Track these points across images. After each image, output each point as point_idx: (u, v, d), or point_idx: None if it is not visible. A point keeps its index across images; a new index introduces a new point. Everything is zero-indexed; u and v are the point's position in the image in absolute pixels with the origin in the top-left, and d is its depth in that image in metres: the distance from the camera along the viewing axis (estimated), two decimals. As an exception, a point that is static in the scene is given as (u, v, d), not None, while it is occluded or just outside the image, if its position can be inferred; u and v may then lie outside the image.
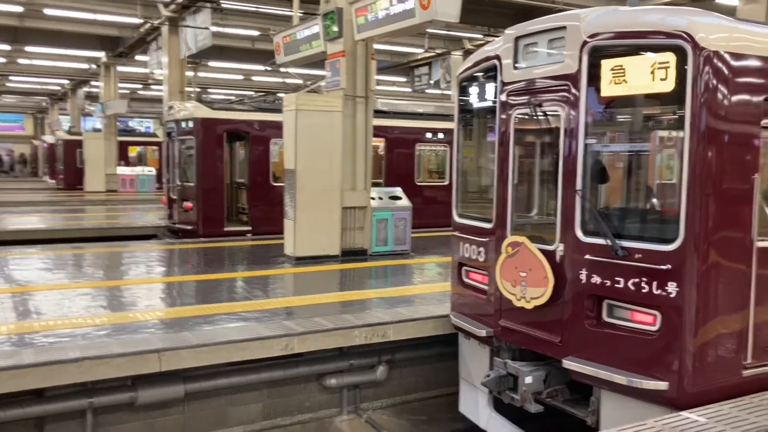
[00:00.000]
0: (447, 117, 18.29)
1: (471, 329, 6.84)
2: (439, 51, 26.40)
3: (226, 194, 15.65)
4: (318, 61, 13.06)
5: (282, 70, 16.72)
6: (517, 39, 6.26)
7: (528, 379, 6.09)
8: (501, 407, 6.94)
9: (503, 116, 6.41)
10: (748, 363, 5.30)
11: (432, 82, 26.86)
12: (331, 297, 8.98)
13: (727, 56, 4.95)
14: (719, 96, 4.93)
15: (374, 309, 8.22)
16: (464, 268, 7.20)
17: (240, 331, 7.07)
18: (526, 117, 6.24)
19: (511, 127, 6.34)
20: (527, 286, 6.04)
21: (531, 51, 6.17)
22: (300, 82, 21.21)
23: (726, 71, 4.94)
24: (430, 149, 17.99)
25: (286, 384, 7.72)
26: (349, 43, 11.37)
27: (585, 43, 5.55)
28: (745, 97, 5.07)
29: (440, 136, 17.56)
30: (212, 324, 7.39)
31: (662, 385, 5.12)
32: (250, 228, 15.40)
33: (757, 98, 5.14)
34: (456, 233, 7.27)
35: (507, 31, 6.41)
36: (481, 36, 23.73)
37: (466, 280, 7.19)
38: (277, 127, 15.49)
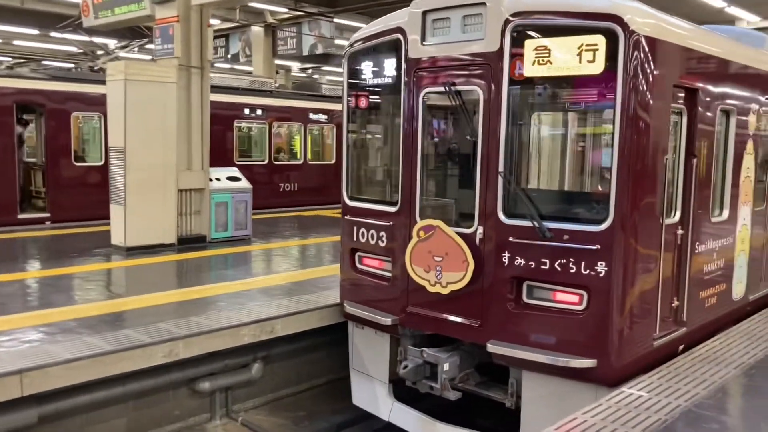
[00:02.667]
0: (267, 93, 17.56)
1: (372, 318, 6.51)
2: (236, 23, 25.15)
3: (19, 176, 13.47)
4: (135, 26, 11.66)
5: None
6: (425, 13, 5.97)
7: (446, 366, 5.93)
8: (400, 396, 6.74)
9: (409, 94, 6.11)
10: (656, 335, 5.63)
11: (230, 56, 25.51)
12: (181, 294, 8.01)
13: (652, 41, 5.11)
14: (644, 80, 5.08)
15: (233, 305, 7.43)
16: (358, 253, 6.82)
17: (114, 341, 6.03)
18: (438, 96, 6.00)
19: (419, 107, 6.06)
20: (443, 270, 5.84)
21: (442, 27, 5.91)
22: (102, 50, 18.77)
23: (651, 56, 5.11)
24: (248, 126, 17.14)
25: (152, 393, 6.79)
26: (183, 7, 10.24)
27: (508, 21, 5.42)
28: (663, 82, 5.30)
29: (259, 113, 16.77)
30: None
31: (590, 363, 5.23)
32: (48, 215, 13.43)
33: (670, 83, 5.40)
34: (348, 217, 6.85)
35: (413, 4, 6.09)
36: (285, 10, 23.05)
37: (360, 266, 6.82)
38: (79, 99, 13.70)
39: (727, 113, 6.43)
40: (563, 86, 5.38)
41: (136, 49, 23.71)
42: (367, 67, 6.64)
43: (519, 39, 5.40)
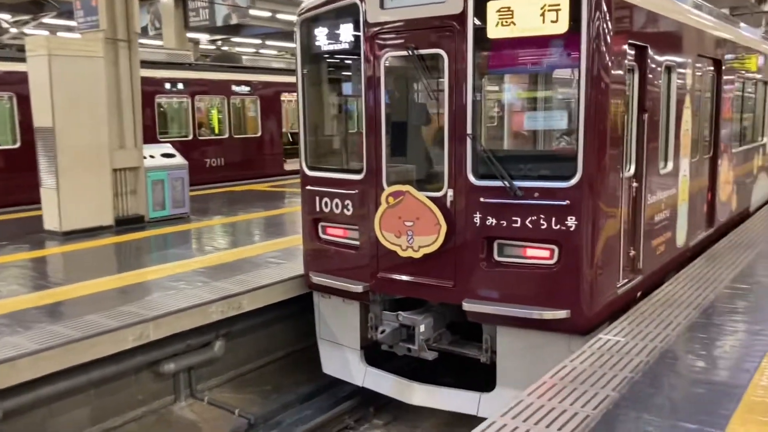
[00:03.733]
0: (187, 66, 16.96)
1: (342, 286, 6.51)
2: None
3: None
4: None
5: None
6: (383, -23, 5.92)
7: (422, 328, 6.03)
8: (372, 361, 6.82)
9: (369, 60, 6.07)
10: (619, 284, 5.91)
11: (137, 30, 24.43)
12: (133, 276, 7.76)
13: (611, 1, 5.27)
14: (606, 39, 5.25)
15: (195, 284, 7.27)
16: (321, 223, 6.78)
17: (81, 327, 5.78)
18: (400, 60, 5.99)
19: (380, 72, 6.03)
20: (415, 234, 5.91)
21: (401, -10, 5.88)
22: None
23: (610, 15, 5.27)
24: (168, 101, 16.53)
25: (115, 379, 6.59)
26: (105, -24, 9.73)
27: (471, -17, 5.46)
28: (620, 40, 5.49)
29: (180, 87, 16.20)
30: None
31: (563, 313, 5.45)
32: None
33: (625, 41, 5.60)
34: (309, 187, 6.79)
35: (370, -32, 6.02)
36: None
37: (324, 236, 6.79)
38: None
39: (669, 69, 6.74)
40: (527, 47, 5.48)
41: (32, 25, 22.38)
42: (321, 34, 6.53)
43: (481, 0, 5.45)
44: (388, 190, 6.01)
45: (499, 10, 5.41)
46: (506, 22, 5.40)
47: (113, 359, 6.28)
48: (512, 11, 5.36)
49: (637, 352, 4.77)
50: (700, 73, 7.72)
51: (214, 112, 18.26)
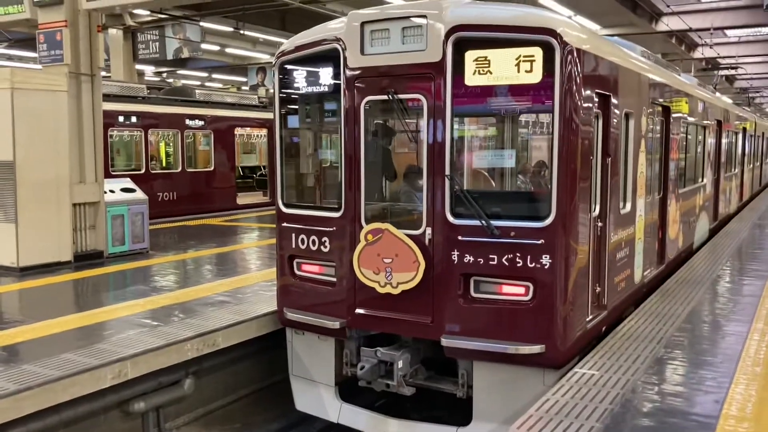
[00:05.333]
0: (140, 99, 16.83)
1: (318, 322, 6.60)
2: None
3: None
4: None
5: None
6: (364, 24, 6.16)
7: (400, 363, 6.15)
8: (347, 397, 6.88)
9: (350, 102, 6.26)
10: (588, 319, 6.20)
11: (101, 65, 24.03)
12: (102, 313, 7.64)
13: (580, 53, 5.64)
14: (576, 88, 5.60)
15: (165, 322, 7.23)
16: (296, 260, 6.87)
17: (59, 366, 5.69)
18: (380, 104, 6.21)
19: (360, 115, 6.24)
20: (393, 271, 6.07)
21: (381, 38, 6.12)
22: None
23: (580, 66, 5.64)
24: (121, 134, 16.35)
25: (86, 419, 6.46)
26: (70, 11, 9.67)
27: (449, 33, 5.74)
28: (588, 89, 5.86)
29: (133, 120, 16.06)
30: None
31: (539, 348, 5.68)
32: None
33: (592, 90, 5.98)
34: (285, 224, 6.89)
35: (351, 15, 6.26)
36: (147, 12, 22.13)
37: (299, 272, 6.88)
38: None
39: (628, 116, 7.18)
40: (503, 94, 5.78)
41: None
42: (300, 76, 6.72)
43: (460, 50, 5.74)
44: (367, 227, 6.17)
45: (476, 59, 5.71)
46: (483, 70, 5.70)
47: (85, 399, 6.18)
48: (489, 60, 5.67)
49: (612, 384, 5.02)
50: (652, 119, 8.23)
51: (168, 145, 18.12)
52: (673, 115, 9.31)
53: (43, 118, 9.42)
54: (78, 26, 9.88)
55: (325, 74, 6.49)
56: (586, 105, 5.77)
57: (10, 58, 30.50)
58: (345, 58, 6.24)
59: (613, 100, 6.55)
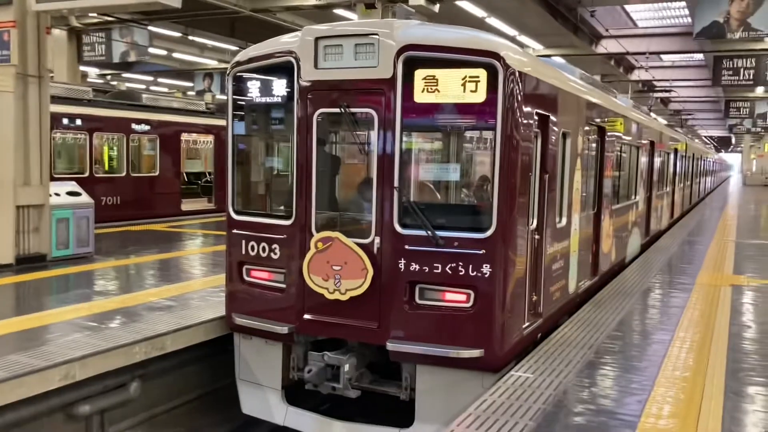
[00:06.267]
0: (85, 102, 16.61)
1: (266, 327, 6.75)
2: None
3: None
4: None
5: None
6: (318, 39, 6.40)
7: (347, 367, 6.37)
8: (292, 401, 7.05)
9: (302, 115, 6.47)
10: (524, 326, 6.55)
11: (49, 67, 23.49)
12: (47, 316, 7.62)
13: (522, 75, 6.01)
14: (517, 108, 5.96)
15: (110, 325, 7.28)
16: (246, 266, 7.02)
17: (4, 367, 5.69)
18: (331, 116, 6.45)
19: (312, 127, 6.45)
20: (342, 278, 6.29)
21: (334, 53, 6.37)
22: None
23: (521, 87, 6.00)
24: (64, 137, 16.09)
25: (28, 422, 6.44)
26: (19, 12, 9.60)
27: (400, 52, 6.03)
28: (529, 109, 6.23)
29: (78, 123, 15.85)
30: None
31: (478, 353, 5.99)
32: None
33: (532, 110, 6.35)
34: (235, 231, 7.03)
35: (306, 30, 6.48)
36: (94, 14, 21.81)
37: (248, 278, 7.03)
38: None
39: (565, 135, 7.61)
40: (450, 112, 6.10)
41: None
42: (254, 86, 6.89)
43: (410, 68, 6.03)
44: (317, 236, 6.38)
45: (425, 78, 6.01)
46: (431, 88, 6.01)
47: (29, 401, 6.18)
48: (437, 79, 5.98)
49: (545, 386, 5.36)
50: (588, 139, 8.71)
51: (113, 149, 17.90)
52: (608, 135, 9.84)
53: (-12, 118, 9.32)
54: (26, 27, 9.80)
55: (279, 86, 6.69)
56: (526, 124, 6.14)
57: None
58: (299, 71, 6.46)
59: (552, 120, 6.95)
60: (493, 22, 21.80)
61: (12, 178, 9.69)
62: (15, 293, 8.94)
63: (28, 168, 9.95)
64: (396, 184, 6.12)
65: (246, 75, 6.93)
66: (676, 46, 25.86)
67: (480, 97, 5.87)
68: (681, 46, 25.57)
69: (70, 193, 10.91)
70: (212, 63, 31.27)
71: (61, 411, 6.72)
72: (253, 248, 6.89)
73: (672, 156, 18.72)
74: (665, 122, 32.63)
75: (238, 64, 6.96)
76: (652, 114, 19.85)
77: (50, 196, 10.37)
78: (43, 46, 10.06)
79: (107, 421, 7.28)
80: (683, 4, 20.47)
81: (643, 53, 25.02)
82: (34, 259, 10.12)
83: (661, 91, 34.74)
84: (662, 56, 29.65)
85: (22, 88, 9.80)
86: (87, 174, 16.25)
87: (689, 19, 20.17)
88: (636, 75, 33.09)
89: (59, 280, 9.55)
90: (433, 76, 5.97)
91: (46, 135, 10.21)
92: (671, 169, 18.83)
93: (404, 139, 6.16)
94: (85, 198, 11.04)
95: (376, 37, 6.14)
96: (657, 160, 15.51)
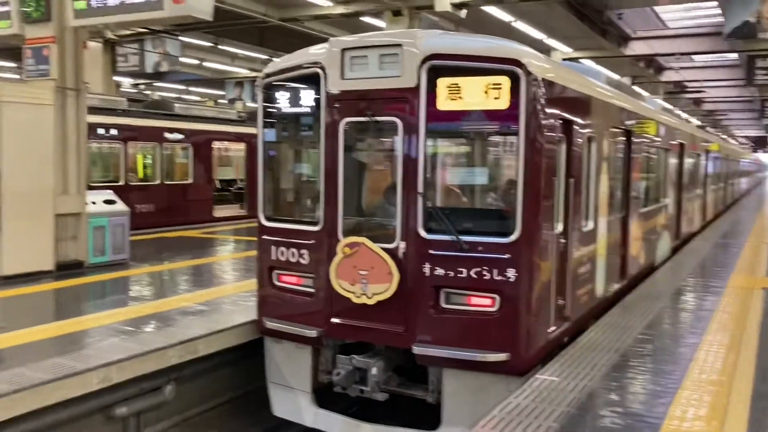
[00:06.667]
0: (120, 112, 17.03)
1: (296, 331, 6.92)
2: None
3: None
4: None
5: None
6: (344, 51, 6.55)
7: (374, 370, 6.50)
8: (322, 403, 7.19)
9: (330, 124, 6.64)
10: (551, 330, 6.61)
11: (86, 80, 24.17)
12: (87, 321, 7.89)
13: (544, 81, 6.09)
14: (540, 114, 6.05)
15: (145, 330, 7.51)
16: (276, 271, 7.20)
17: (47, 370, 5.93)
18: (358, 124, 6.60)
19: (339, 135, 6.61)
20: (369, 283, 6.42)
21: (360, 63, 6.52)
22: None
23: (544, 94, 6.08)
24: (100, 146, 16.51)
25: (66, 424, 6.68)
26: (58, 28, 9.96)
27: (424, 61, 6.16)
28: (552, 115, 6.31)
29: (113, 132, 16.27)
30: None
31: (504, 356, 6.07)
32: None
33: (556, 116, 6.43)
34: (266, 237, 7.22)
35: (332, 42, 6.65)
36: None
37: (278, 283, 7.21)
38: None
39: (590, 140, 7.65)
40: (473, 118, 6.20)
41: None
42: (283, 96, 7.08)
43: (433, 77, 6.16)
44: (344, 241, 6.53)
45: (448, 86, 6.13)
46: (454, 96, 6.12)
47: (66, 404, 6.41)
48: (460, 87, 6.09)
49: (570, 389, 5.42)
50: (614, 143, 8.73)
51: (147, 158, 18.32)
52: (635, 139, 9.84)
53: (30, 130, 9.66)
54: (65, 42, 10.16)
55: (307, 96, 6.86)
56: (549, 128, 6.21)
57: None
58: (326, 81, 6.63)
59: (576, 124, 7.01)
60: (520, 26, 21.78)
61: (52, 187, 10.03)
62: (55, 299, 9.26)
63: (66, 177, 10.29)
64: (420, 189, 6.24)
65: (276, 85, 7.12)
66: (707, 46, 25.52)
67: (503, 103, 5.96)
68: (712, 46, 25.24)
69: (107, 202, 11.24)
70: (243, 71, 31.78)
71: (99, 413, 6.97)
72: (282, 253, 7.07)
73: (703, 157, 18.52)
74: (698, 123, 32.21)
75: (268, 75, 7.16)
76: (683, 115, 19.64)
77: (87, 204, 10.70)
78: (80, 59, 10.40)
79: (143, 422, 7.50)
80: (715, 3, 20.22)
81: (673, 54, 24.78)
82: (72, 265, 10.44)
83: (693, 91, 34.30)
84: (693, 57, 29.26)
85: (61, 100, 10.15)
86: (122, 182, 16.67)
87: (722, 18, 19.91)
88: (666, 76, 32.72)
89: (96, 286, 9.86)
90: (457, 84, 6.09)
91: (83, 145, 10.55)
92: (703, 171, 18.63)
93: (428, 145, 6.28)
94: (120, 206, 11.37)
95: (400, 47, 6.27)
96: (688, 162, 15.38)
